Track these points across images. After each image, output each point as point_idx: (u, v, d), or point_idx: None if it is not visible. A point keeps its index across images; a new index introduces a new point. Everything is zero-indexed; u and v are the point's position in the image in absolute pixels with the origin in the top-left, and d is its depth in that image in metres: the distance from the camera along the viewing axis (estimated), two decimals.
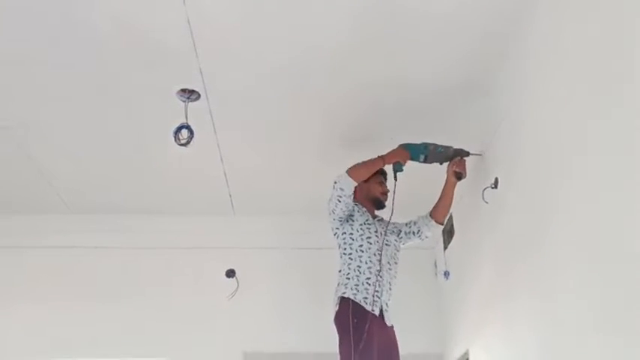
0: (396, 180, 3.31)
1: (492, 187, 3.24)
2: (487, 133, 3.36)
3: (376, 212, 3.50)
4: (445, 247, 4.33)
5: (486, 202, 3.31)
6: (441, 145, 3.38)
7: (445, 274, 4.17)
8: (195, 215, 4.70)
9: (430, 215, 3.50)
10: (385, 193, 3.46)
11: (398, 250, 3.45)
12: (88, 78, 3.20)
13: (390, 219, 3.37)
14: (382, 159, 3.30)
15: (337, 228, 3.34)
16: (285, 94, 3.37)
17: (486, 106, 3.34)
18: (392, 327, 3.26)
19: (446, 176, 3.48)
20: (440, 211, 3.51)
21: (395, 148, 3.36)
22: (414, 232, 3.51)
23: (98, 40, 2.93)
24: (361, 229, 3.29)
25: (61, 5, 2.72)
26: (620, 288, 1.97)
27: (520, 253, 2.94)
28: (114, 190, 4.42)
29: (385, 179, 3.49)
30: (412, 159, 3.36)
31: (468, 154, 3.41)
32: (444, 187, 3.50)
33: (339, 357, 3.07)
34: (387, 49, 3.03)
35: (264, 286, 4.61)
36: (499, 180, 3.20)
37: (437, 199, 3.49)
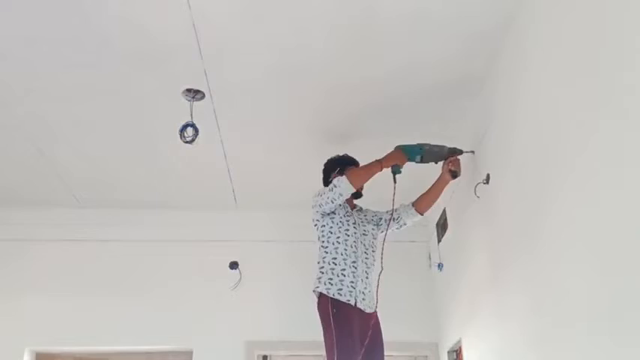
0: (395, 182, 3.27)
1: (484, 183, 3.23)
2: (478, 131, 3.35)
3: (355, 202, 3.51)
4: (439, 240, 4.32)
5: (478, 197, 3.31)
6: (436, 145, 3.35)
7: (439, 266, 4.17)
8: (200, 209, 4.72)
9: (412, 205, 3.49)
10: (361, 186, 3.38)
11: (375, 238, 3.43)
12: (99, 78, 3.20)
13: (389, 224, 3.39)
14: (380, 163, 3.23)
15: (318, 220, 3.32)
16: (286, 94, 3.38)
17: (478, 105, 3.35)
18: (373, 313, 3.22)
19: (440, 173, 3.47)
20: (425, 203, 3.52)
21: (391, 150, 3.30)
22: (394, 219, 3.47)
23: (108, 42, 2.93)
24: (340, 222, 3.28)
25: (73, 10, 2.73)
26: (609, 281, 1.96)
27: (510, 247, 2.93)
28: (123, 185, 4.43)
29: (357, 166, 3.42)
30: (409, 160, 3.32)
31: (461, 152, 3.38)
32: (437, 183, 3.49)
33: (324, 346, 3.10)
34: (382, 49, 3.02)
35: (265, 277, 4.63)
36: (490, 176, 3.19)
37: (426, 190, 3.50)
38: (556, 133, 2.38)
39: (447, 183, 3.49)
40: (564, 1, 2.33)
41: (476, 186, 3.31)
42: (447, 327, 4.21)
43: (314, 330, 4.24)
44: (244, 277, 4.59)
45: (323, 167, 3.54)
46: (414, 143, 3.34)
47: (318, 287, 3.17)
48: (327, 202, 3.21)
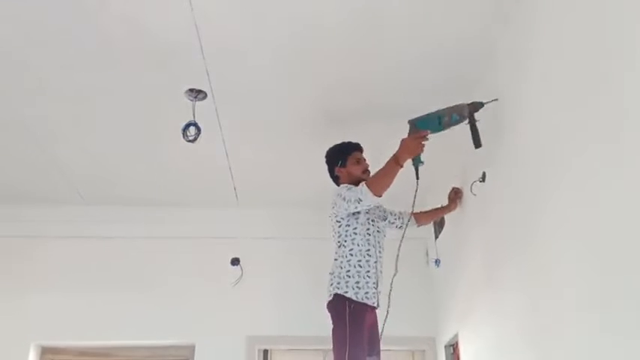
0: (417, 178, 3.02)
1: (480, 181, 3.24)
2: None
3: None
4: (436, 237, 4.32)
5: (474, 195, 3.32)
6: (454, 110, 2.95)
7: (436, 262, 4.17)
8: (202, 207, 4.72)
9: (412, 214, 3.43)
10: (366, 171, 3.27)
11: (385, 235, 3.39)
12: (102, 78, 3.21)
13: (409, 220, 3.33)
14: (396, 161, 2.94)
15: (342, 218, 3.18)
16: (287, 94, 3.38)
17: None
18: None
19: (448, 200, 3.64)
20: (426, 219, 3.65)
21: (403, 138, 2.99)
22: (397, 226, 3.47)
23: (111, 43, 2.94)
24: (363, 222, 3.19)
25: (76, 10, 2.74)
26: (604, 279, 1.96)
27: (506, 244, 2.93)
28: (126, 183, 4.43)
29: (362, 153, 3.33)
30: (429, 135, 2.98)
31: (482, 104, 2.95)
32: (444, 207, 3.65)
33: (332, 341, 3.05)
34: (377, 50, 3.04)
35: (266, 273, 4.63)
36: (486, 174, 3.20)
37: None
38: (551, 132, 2.39)
39: (451, 210, 3.63)
40: (557, 4, 2.34)
41: (472, 184, 3.32)
42: (444, 322, 4.22)
43: (313, 325, 4.27)
44: (245, 273, 4.59)
45: (325, 159, 3.42)
46: (431, 113, 2.98)
47: (346, 292, 3.04)
48: (350, 207, 3.07)
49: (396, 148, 2.99)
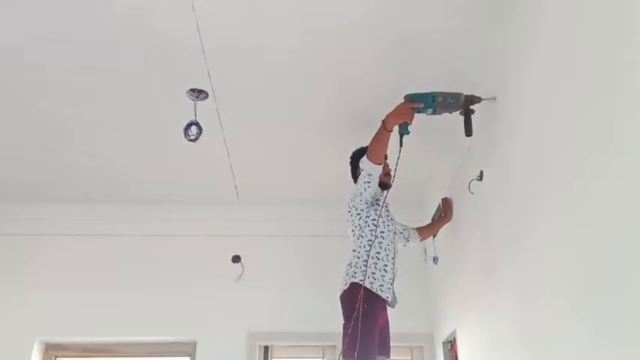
0: (401, 146, 2.94)
1: (478, 180, 3.24)
2: (474, 127, 3.34)
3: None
4: (434, 236, 4.30)
5: (472, 193, 3.32)
6: (450, 94, 2.95)
7: (434, 259, 4.17)
8: (203, 205, 4.74)
9: (416, 230, 3.67)
10: (388, 174, 3.25)
11: (400, 241, 3.49)
12: (107, 79, 3.22)
13: (392, 182, 3.16)
14: (384, 125, 2.91)
15: (362, 210, 3.21)
16: (287, 94, 3.39)
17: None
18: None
19: (443, 213, 3.75)
20: (427, 233, 3.79)
21: (397, 105, 2.95)
22: (404, 237, 3.57)
23: (116, 43, 2.96)
24: (382, 216, 3.19)
25: (83, 12, 2.75)
26: (596, 278, 1.97)
27: (502, 242, 2.94)
28: (129, 182, 4.45)
29: (386, 159, 3.24)
30: (419, 112, 2.95)
31: (480, 99, 2.98)
32: (441, 220, 3.79)
33: (343, 335, 2.98)
34: (380, 53, 3.06)
35: (267, 270, 4.64)
36: (484, 173, 3.20)
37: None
38: (547, 131, 2.39)
39: (449, 220, 3.74)
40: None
41: (470, 183, 3.32)
42: (442, 319, 4.23)
43: (313, 322, 4.31)
44: (246, 270, 4.60)
45: (350, 158, 3.41)
46: (426, 92, 2.95)
47: (362, 280, 3.01)
48: (365, 189, 3.11)
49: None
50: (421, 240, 3.74)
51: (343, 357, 2.97)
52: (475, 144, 3.33)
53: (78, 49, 2.99)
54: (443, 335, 4.18)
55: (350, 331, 2.93)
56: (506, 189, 2.89)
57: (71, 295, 4.51)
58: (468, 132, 2.99)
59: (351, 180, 3.40)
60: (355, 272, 3.09)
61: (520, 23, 2.67)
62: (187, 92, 3.30)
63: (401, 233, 3.52)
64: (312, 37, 2.93)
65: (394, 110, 2.94)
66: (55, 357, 4.56)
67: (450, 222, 3.87)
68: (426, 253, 4.61)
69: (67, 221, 4.71)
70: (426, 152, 3.96)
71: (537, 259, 2.48)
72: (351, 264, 3.16)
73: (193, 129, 3.31)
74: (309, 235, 4.67)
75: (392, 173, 3.11)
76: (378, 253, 3.12)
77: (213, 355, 4.40)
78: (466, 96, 2.96)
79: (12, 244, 4.67)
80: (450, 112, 3.02)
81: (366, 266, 3.07)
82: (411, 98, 2.94)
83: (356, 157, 3.34)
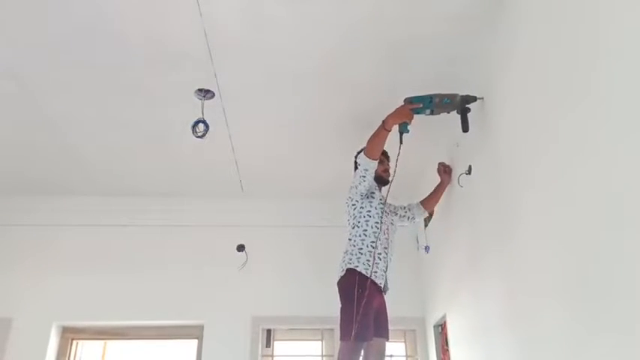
0: (401, 143, 2.98)
1: (467, 174, 3.26)
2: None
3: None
4: (425, 226, 4.34)
5: (461, 187, 3.34)
6: (447, 95, 2.99)
7: (426, 248, 4.20)
8: (210, 197, 4.77)
9: (421, 203, 3.60)
10: (386, 170, 3.36)
11: (395, 231, 3.47)
12: (120, 79, 3.24)
13: (390, 184, 3.18)
14: (384, 124, 2.99)
15: (357, 201, 3.25)
16: (288, 94, 3.41)
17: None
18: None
19: (440, 178, 3.62)
20: (432, 203, 3.66)
21: (397, 107, 3.02)
22: (408, 217, 3.58)
23: (128, 47, 2.98)
24: (377, 207, 3.23)
25: (98, 20, 2.78)
26: (578, 266, 1.98)
27: (488, 233, 2.95)
28: (141, 176, 4.47)
29: (386, 157, 3.38)
30: (417, 113, 3.02)
31: (475, 99, 3.00)
32: (439, 185, 3.63)
33: (340, 319, 3.02)
34: (377, 56, 3.07)
35: (269, 259, 4.67)
36: (472, 167, 3.22)
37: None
38: (532, 128, 2.40)
39: (447, 185, 3.62)
40: (538, 6, 2.36)
41: (459, 176, 3.35)
42: (433, 304, 4.25)
43: (313, 307, 4.33)
44: (250, 258, 4.63)
45: (355, 155, 3.41)
46: (424, 94, 3.00)
47: (357, 266, 3.06)
48: (360, 182, 3.17)
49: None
50: (427, 212, 3.68)
51: (341, 339, 3.01)
52: (464, 140, 3.34)
53: (93, 52, 3.01)
54: (434, 319, 4.21)
55: (346, 314, 2.98)
56: (493, 182, 2.91)
57: (87, 281, 4.54)
58: (465, 128, 3.03)
59: (347, 178, 3.42)
60: (351, 259, 3.13)
61: (507, 29, 2.68)
62: (195, 92, 3.32)
63: (404, 215, 3.54)
64: (313, 39, 2.95)
65: (394, 111, 3.00)
66: (72, 339, 4.59)
67: (441, 213, 3.88)
68: (418, 242, 4.63)
69: (82, 212, 4.75)
70: (419, 147, 3.97)
71: (523, 248, 2.50)
72: (347, 251, 3.20)
73: (201, 126, 3.34)
74: (309, 226, 4.70)
75: (390, 171, 3.15)
76: (373, 242, 3.15)
77: (219, 337, 4.43)
78: (462, 96, 3.00)
79: (31, 234, 4.70)
80: (448, 112, 3.06)
81: (362, 253, 3.11)
82: (410, 100, 3.00)
83: (357, 156, 3.37)
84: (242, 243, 4.67)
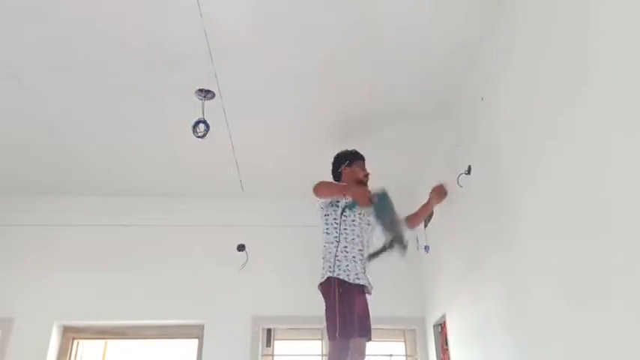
0: (344, 215, 3.22)
1: (466, 174, 3.26)
2: (462, 126, 3.38)
3: None
4: (425, 225, 4.30)
5: (461, 187, 3.34)
6: (395, 232, 3.12)
7: (425, 248, 4.17)
8: (210, 197, 4.77)
9: (406, 220, 3.52)
10: (366, 176, 3.39)
11: (374, 230, 3.42)
12: (121, 80, 3.24)
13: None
14: (343, 191, 3.18)
15: (322, 208, 3.29)
16: (287, 95, 3.41)
17: (462, 105, 3.38)
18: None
19: (429, 197, 3.60)
20: (416, 221, 3.64)
21: (376, 191, 3.16)
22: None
23: (129, 48, 2.98)
24: (348, 215, 3.24)
25: (99, 22, 2.79)
26: (576, 267, 1.99)
27: (488, 233, 2.96)
28: (141, 176, 4.47)
29: (362, 159, 3.43)
30: (373, 210, 3.17)
31: (404, 247, 3.13)
32: (426, 204, 3.62)
33: (325, 320, 3.09)
34: (377, 56, 3.07)
35: (269, 258, 4.66)
36: (472, 167, 3.23)
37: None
38: (530, 129, 2.41)
39: (434, 205, 3.63)
40: (532, 11, 2.36)
41: (458, 176, 3.34)
42: (433, 304, 4.24)
43: (313, 306, 4.28)
44: (250, 258, 4.63)
45: (334, 159, 3.47)
46: (393, 206, 3.14)
47: (338, 274, 3.08)
48: (318, 205, 3.26)
49: None
50: (411, 228, 3.64)
51: (329, 339, 3.06)
52: (464, 140, 3.35)
53: (94, 52, 3.01)
54: (434, 319, 4.20)
55: (330, 314, 3.05)
56: (492, 182, 2.91)
57: (88, 281, 4.54)
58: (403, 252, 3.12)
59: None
60: (331, 267, 3.14)
61: (506, 29, 2.68)
62: (195, 92, 3.32)
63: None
64: (311, 42, 2.95)
65: (359, 189, 3.17)
66: (73, 339, 4.59)
67: (441, 213, 3.88)
68: (418, 242, 4.62)
69: (83, 212, 4.74)
70: (419, 147, 3.98)
71: (522, 248, 2.50)
72: (325, 258, 3.22)
73: (201, 127, 3.33)
74: (309, 226, 4.61)
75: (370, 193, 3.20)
76: (345, 247, 3.17)
77: (219, 337, 4.42)
78: (394, 237, 3.11)
79: (32, 234, 4.69)
80: (386, 224, 3.14)
81: (338, 260, 3.14)
82: (379, 198, 3.11)
83: (341, 157, 3.46)
84: (242, 243, 4.67)
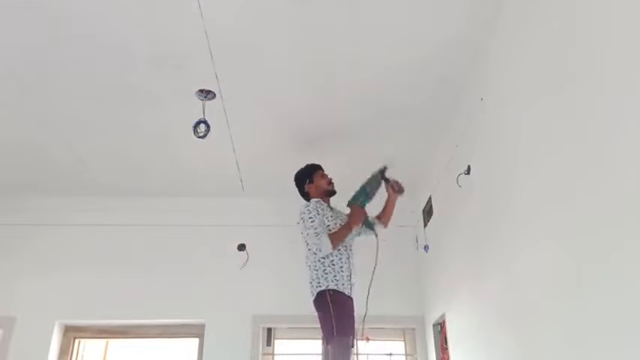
0: (376, 236, 3.40)
1: (465, 174, 3.26)
2: (462, 126, 3.38)
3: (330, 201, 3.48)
4: (425, 225, 4.35)
5: (460, 186, 3.34)
6: (370, 179, 3.37)
7: (425, 247, 4.19)
8: (211, 197, 4.76)
9: (378, 218, 3.52)
10: (330, 182, 3.44)
11: (357, 233, 3.44)
12: (122, 80, 3.24)
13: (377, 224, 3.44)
14: (351, 227, 3.23)
15: (302, 232, 3.29)
16: (287, 95, 3.41)
17: (463, 106, 3.38)
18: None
19: (387, 194, 3.52)
20: (386, 218, 3.55)
21: (351, 210, 3.30)
22: (359, 234, 3.49)
23: (130, 48, 2.97)
24: (332, 229, 3.22)
25: (100, 22, 2.78)
26: (576, 265, 1.98)
27: (487, 232, 2.96)
28: (142, 175, 4.46)
29: (321, 168, 3.50)
30: (364, 206, 3.33)
31: (384, 167, 3.40)
32: (387, 201, 3.55)
33: (320, 329, 3.13)
34: (377, 56, 3.07)
35: (270, 258, 4.66)
36: (471, 167, 3.22)
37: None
38: (529, 129, 2.41)
39: (395, 199, 3.54)
40: (532, 14, 2.36)
41: (458, 176, 3.34)
42: (433, 303, 4.24)
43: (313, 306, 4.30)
44: (251, 257, 4.63)
45: (294, 181, 3.53)
46: (358, 190, 3.33)
47: (328, 286, 3.13)
48: (307, 234, 3.20)
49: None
50: (386, 226, 3.57)
51: (328, 343, 3.09)
52: (463, 140, 3.34)
53: (94, 52, 3.01)
54: (433, 318, 4.20)
55: (325, 319, 3.10)
56: (491, 182, 2.91)
57: (89, 281, 4.54)
58: (400, 190, 3.42)
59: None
60: (319, 283, 3.17)
61: (506, 29, 2.68)
62: (196, 93, 3.32)
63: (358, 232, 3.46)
64: (310, 42, 2.94)
65: (352, 216, 3.27)
66: (74, 338, 4.60)
67: (441, 213, 3.87)
68: (417, 241, 4.63)
69: (84, 212, 4.74)
70: (419, 148, 3.98)
71: (521, 248, 2.50)
72: (312, 277, 3.23)
73: (202, 127, 3.33)
74: None
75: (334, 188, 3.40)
76: (332, 261, 3.19)
77: (220, 336, 4.42)
78: (378, 171, 3.38)
79: (34, 234, 4.69)
80: (378, 187, 3.39)
81: (326, 273, 3.17)
82: (354, 202, 3.30)
83: (300, 178, 3.51)
84: (243, 242, 4.67)
